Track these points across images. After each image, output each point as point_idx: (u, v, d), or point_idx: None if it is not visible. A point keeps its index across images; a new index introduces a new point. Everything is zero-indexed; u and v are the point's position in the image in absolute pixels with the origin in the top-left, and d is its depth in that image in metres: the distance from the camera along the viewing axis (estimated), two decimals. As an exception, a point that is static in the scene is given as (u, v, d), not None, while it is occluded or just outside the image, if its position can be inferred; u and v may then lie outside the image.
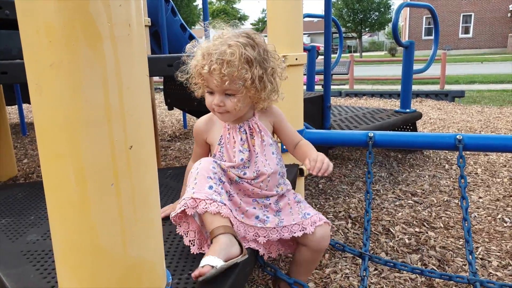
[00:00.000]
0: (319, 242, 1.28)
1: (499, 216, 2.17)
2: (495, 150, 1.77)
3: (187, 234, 1.22)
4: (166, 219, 1.35)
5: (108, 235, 0.75)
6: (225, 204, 1.16)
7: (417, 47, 3.96)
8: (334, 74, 9.78)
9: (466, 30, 29.16)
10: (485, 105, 6.31)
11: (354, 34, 35.93)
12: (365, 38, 43.33)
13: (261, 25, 50.03)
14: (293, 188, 1.57)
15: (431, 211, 2.25)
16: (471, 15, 28.63)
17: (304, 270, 1.40)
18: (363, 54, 33.84)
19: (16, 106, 4.82)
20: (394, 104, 6.62)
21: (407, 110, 3.43)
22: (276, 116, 1.36)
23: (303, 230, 1.26)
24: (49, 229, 0.80)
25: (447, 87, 8.89)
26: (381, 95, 7.68)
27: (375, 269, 1.67)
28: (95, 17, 0.67)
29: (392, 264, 1.55)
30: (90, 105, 0.69)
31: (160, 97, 7.26)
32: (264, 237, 1.26)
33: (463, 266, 1.69)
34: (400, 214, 2.21)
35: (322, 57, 2.72)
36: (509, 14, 27.69)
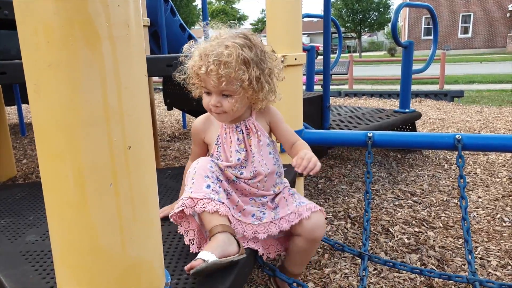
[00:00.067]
0: (314, 230, 1.27)
1: (498, 215, 2.18)
2: (494, 150, 1.77)
3: (187, 233, 1.23)
4: (165, 219, 1.35)
5: (106, 235, 0.75)
6: (223, 203, 1.17)
7: (416, 47, 3.97)
8: (333, 74, 9.78)
9: (465, 30, 29.18)
10: (484, 105, 6.32)
11: (353, 34, 35.94)
12: (365, 38, 43.35)
13: (260, 25, 50.03)
14: (292, 188, 1.57)
15: (430, 211, 2.25)
16: (470, 15, 28.65)
17: (299, 261, 1.39)
18: (363, 54, 33.85)
19: (16, 106, 4.81)
20: (393, 104, 6.62)
21: (406, 110, 3.43)
22: (272, 116, 1.36)
23: (299, 216, 1.26)
24: (48, 230, 0.80)
25: (446, 87, 8.90)
26: (381, 95, 7.68)
27: (375, 269, 1.67)
28: (94, 17, 0.67)
29: (391, 264, 1.55)
30: (88, 105, 0.69)
31: (159, 97, 7.26)
32: (264, 233, 1.26)
33: (462, 266, 1.69)
34: (399, 214, 2.22)
35: (322, 57, 2.71)
36: (508, 14, 27.72)
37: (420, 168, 3.06)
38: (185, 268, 1.03)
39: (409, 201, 2.40)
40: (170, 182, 1.93)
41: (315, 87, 4.57)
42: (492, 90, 8.57)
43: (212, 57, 1.15)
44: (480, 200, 2.41)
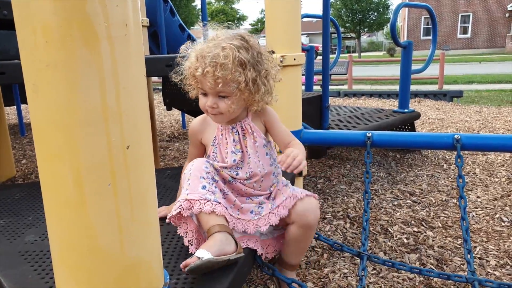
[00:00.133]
0: (306, 214, 1.27)
1: (497, 215, 2.18)
2: (493, 149, 1.77)
3: (186, 234, 1.23)
4: (164, 219, 1.35)
5: (105, 235, 0.75)
6: (219, 203, 1.17)
7: (415, 47, 3.97)
8: (332, 74, 9.78)
9: (465, 30, 29.20)
10: (483, 105, 6.32)
11: (352, 35, 35.96)
12: (364, 38, 43.37)
13: (260, 26, 50.04)
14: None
15: (429, 211, 2.25)
16: (469, 15, 28.67)
17: (295, 251, 1.38)
18: (362, 54, 33.87)
19: (15, 106, 4.81)
20: (392, 104, 6.62)
21: (406, 110, 3.43)
22: (267, 115, 1.36)
23: (294, 198, 1.28)
24: (47, 230, 0.80)
25: (446, 87, 8.90)
26: (380, 95, 7.69)
27: (374, 269, 1.67)
28: (92, 17, 0.67)
29: (390, 263, 1.55)
30: (87, 105, 0.69)
31: (158, 97, 7.26)
32: (265, 225, 1.26)
33: (461, 266, 1.69)
34: (398, 214, 2.22)
35: (321, 57, 2.71)
36: (507, 14, 27.74)
37: (419, 168, 3.06)
38: (181, 265, 1.05)
39: (408, 201, 2.40)
40: (169, 182, 1.93)
41: (315, 87, 4.57)
42: (491, 90, 8.58)
43: (209, 58, 1.15)
44: (479, 200, 2.41)
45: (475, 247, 1.84)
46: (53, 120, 0.70)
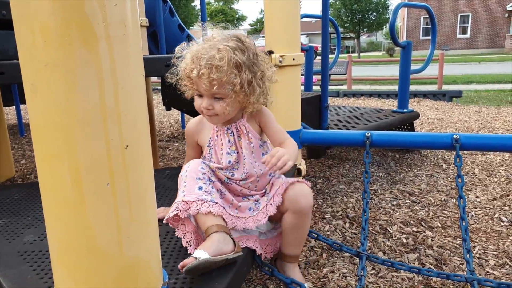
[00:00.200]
0: (297, 199, 1.27)
1: (496, 215, 2.18)
2: (492, 149, 1.77)
3: (185, 235, 1.23)
4: (162, 220, 1.35)
5: (104, 235, 0.75)
6: (216, 203, 1.18)
7: (415, 47, 3.99)
8: (332, 74, 9.79)
9: (464, 30, 29.22)
10: (482, 105, 6.33)
11: (352, 35, 35.99)
12: (363, 38, 43.39)
13: (259, 26, 50.05)
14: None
15: (428, 211, 2.25)
16: (468, 15, 28.70)
17: (293, 240, 1.36)
18: (361, 54, 33.89)
19: (14, 107, 4.81)
20: (392, 104, 6.62)
21: (405, 110, 3.43)
22: (262, 116, 1.35)
23: (286, 184, 1.28)
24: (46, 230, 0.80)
25: (445, 87, 8.91)
26: (379, 95, 7.69)
27: (373, 269, 1.67)
28: (91, 17, 0.67)
29: (389, 263, 1.56)
30: (85, 105, 0.69)
31: (158, 97, 7.26)
32: (265, 217, 1.26)
33: (460, 265, 1.69)
34: (397, 213, 2.22)
35: (320, 57, 2.72)
36: (506, 14, 27.77)
37: (419, 168, 3.06)
38: (179, 266, 1.05)
39: (407, 201, 2.40)
40: (168, 182, 1.93)
41: (314, 87, 4.57)
42: (490, 90, 8.59)
43: (204, 60, 1.15)
44: (478, 199, 2.41)
45: (474, 246, 1.84)
46: (51, 120, 0.70)
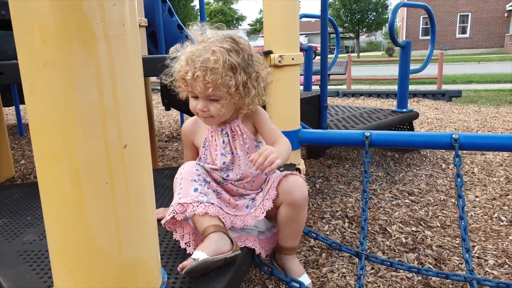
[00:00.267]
0: (291, 191, 1.26)
1: (496, 215, 2.18)
2: (491, 149, 1.77)
3: (183, 237, 1.24)
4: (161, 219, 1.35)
5: (103, 234, 0.75)
6: (212, 204, 1.18)
7: (414, 47, 3.99)
8: (331, 74, 9.79)
9: (463, 30, 29.23)
10: (482, 104, 6.33)
11: (351, 34, 36.00)
12: (363, 38, 43.41)
13: (258, 26, 50.06)
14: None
15: (427, 210, 2.25)
16: (468, 15, 28.71)
17: (289, 233, 1.35)
18: (361, 54, 33.90)
19: (14, 107, 4.81)
20: (391, 104, 6.63)
21: (404, 110, 3.44)
22: (256, 116, 1.34)
23: (279, 177, 1.28)
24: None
25: (444, 87, 8.91)
26: (379, 95, 7.70)
27: (372, 268, 1.67)
28: (89, 17, 0.67)
29: (388, 263, 1.56)
30: (84, 104, 0.69)
31: (157, 97, 7.25)
32: (262, 212, 1.25)
33: (460, 265, 1.69)
34: (397, 213, 2.22)
35: (320, 57, 2.72)
36: (506, 14, 27.78)
37: (418, 168, 3.06)
38: (178, 268, 1.05)
39: (406, 201, 2.41)
40: (167, 182, 1.93)
41: (314, 87, 4.57)
42: (490, 90, 8.60)
43: (199, 63, 1.14)
44: (477, 199, 2.41)
45: (474, 246, 1.84)
46: (50, 120, 0.70)
